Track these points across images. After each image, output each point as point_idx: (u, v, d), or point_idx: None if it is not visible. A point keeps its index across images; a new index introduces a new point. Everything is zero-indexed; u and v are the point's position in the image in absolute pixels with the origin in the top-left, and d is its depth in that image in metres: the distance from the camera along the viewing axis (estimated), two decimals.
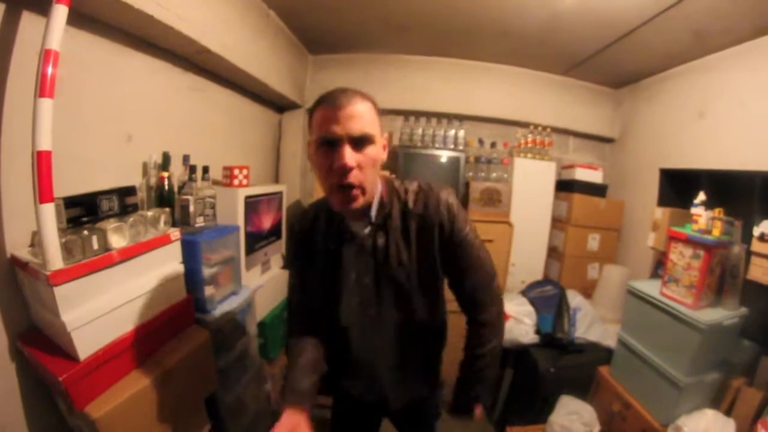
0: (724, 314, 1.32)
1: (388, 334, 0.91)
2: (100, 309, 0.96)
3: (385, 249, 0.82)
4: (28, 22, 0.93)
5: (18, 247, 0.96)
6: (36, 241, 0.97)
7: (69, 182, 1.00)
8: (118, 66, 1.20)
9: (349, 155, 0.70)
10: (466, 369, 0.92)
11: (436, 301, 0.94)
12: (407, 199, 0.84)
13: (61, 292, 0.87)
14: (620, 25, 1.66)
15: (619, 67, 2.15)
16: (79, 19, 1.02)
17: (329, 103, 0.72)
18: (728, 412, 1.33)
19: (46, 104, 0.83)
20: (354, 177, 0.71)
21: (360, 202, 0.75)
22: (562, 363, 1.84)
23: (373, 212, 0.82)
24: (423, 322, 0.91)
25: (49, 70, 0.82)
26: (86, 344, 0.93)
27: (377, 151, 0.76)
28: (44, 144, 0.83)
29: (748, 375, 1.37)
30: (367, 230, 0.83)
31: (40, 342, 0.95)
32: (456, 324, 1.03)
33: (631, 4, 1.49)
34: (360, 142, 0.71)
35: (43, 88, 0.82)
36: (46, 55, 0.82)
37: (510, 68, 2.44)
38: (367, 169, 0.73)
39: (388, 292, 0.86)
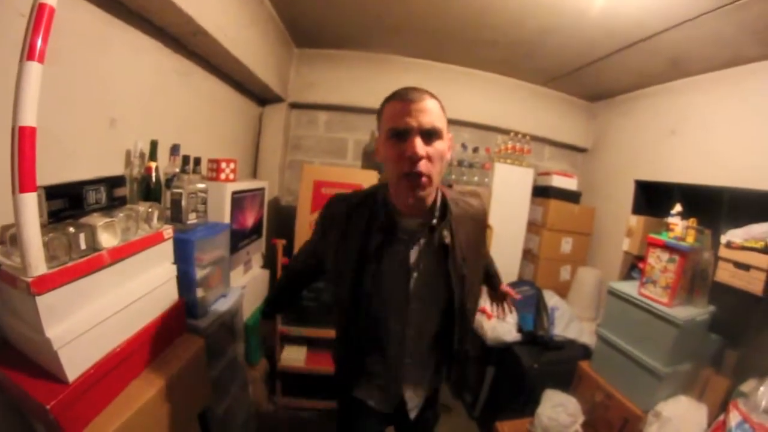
0: (695, 311, 1.48)
1: (425, 329, 0.92)
2: (90, 320, 0.83)
3: (452, 245, 0.85)
4: None
5: None
6: (7, 239, 0.80)
7: (44, 168, 0.84)
8: (107, 38, 1.04)
9: (420, 145, 0.72)
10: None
11: (480, 291, 1.03)
12: (459, 201, 0.90)
13: (44, 302, 0.73)
14: (604, 46, 1.80)
15: (596, 83, 2.33)
16: None
17: (401, 98, 0.75)
18: (699, 398, 1.48)
19: (34, 69, 0.67)
20: (423, 166, 0.73)
21: (427, 190, 0.76)
22: (544, 359, 1.93)
23: (438, 210, 0.84)
24: (471, 312, 0.95)
25: (42, 28, 0.68)
26: (75, 363, 0.79)
27: (444, 146, 0.77)
28: (29, 119, 0.67)
29: (715, 365, 1.55)
30: (426, 229, 0.85)
31: (14, 361, 0.78)
32: None
33: (618, 29, 1.62)
34: (430, 135, 0.74)
35: (32, 49, 0.67)
36: (39, 11, 0.67)
37: (494, 76, 2.54)
38: (435, 162, 0.75)
39: (446, 286, 0.86)
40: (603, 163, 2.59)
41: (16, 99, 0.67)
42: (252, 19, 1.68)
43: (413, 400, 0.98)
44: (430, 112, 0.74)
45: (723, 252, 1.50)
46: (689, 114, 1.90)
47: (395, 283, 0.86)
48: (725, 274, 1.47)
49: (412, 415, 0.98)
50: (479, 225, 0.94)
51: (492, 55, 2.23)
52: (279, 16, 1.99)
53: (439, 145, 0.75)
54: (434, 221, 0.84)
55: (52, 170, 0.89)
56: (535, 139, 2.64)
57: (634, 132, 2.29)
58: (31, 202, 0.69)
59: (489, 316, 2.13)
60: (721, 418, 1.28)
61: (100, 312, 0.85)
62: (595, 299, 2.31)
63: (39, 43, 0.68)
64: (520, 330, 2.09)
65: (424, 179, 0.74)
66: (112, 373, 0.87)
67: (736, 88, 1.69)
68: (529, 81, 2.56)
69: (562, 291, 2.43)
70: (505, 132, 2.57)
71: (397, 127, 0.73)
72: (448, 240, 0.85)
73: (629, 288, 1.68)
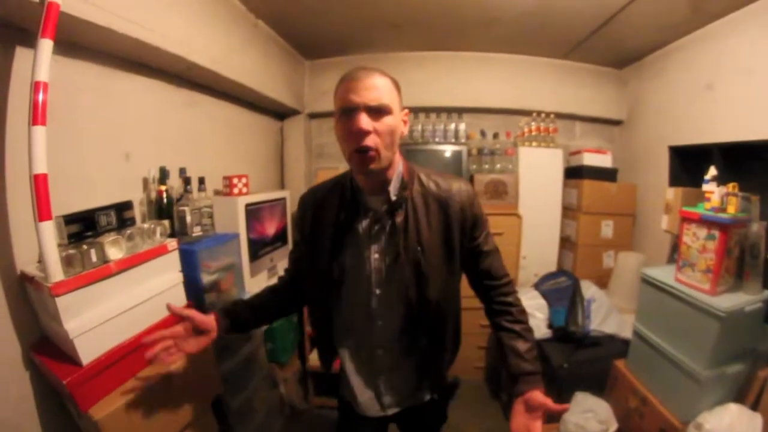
0: (745, 299, 1.22)
1: (393, 317, 0.89)
2: (101, 317, 1.02)
3: (404, 226, 0.84)
4: (22, 55, 1.01)
5: (27, 264, 1.04)
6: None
7: (72, 201, 1.07)
8: (111, 88, 1.27)
9: (365, 121, 0.74)
10: (514, 344, 0.88)
11: (451, 287, 0.92)
12: (428, 182, 0.89)
13: (62, 302, 0.93)
14: (611, 0, 1.57)
15: (619, 46, 2.04)
16: (69, 48, 1.10)
17: (349, 78, 0.77)
18: (755, 406, 1.22)
19: (39, 131, 0.89)
20: (370, 140, 0.75)
21: (376, 164, 0.78)
22: (577, 358, 1.76)
23: (392, 188, 0.84)
24: (435, 306, 0.88)
25: (40, 99, 0.89)
26: (88, 350, 0.98)
27: (395, 122, 0.79)
28: (40, 168, 0.89)
29: None
30: (384, 207, 0.85)
31: (49, 351, 1.01)
32: (467, 321, 1.02)
33: None
34: (377, 111, 0.75)
35: (35, 116, 0.89)
36: (36, 87, 0.89)
37: (507, 56, 2.38)
38: (383, 136, 0.76)
39: (402, 271, 0.85)
40: (640, 134, 2.24)
41: (30, 154, 0.88)
42: (247, 44, 1.84)
43: (387, 398, 0.96)
44: (377, 89, 0.75)
45: None
46: (725, 62, 1.57)
47: (359, 267, 0.87)
48: None
49: (390, 411, 0.97)
50: (445, 209, 0.86)
51: (497, 34, 2.10)
52: (279, 34, 2.13)
53: (388, 120, 0.76)
54: (393, 198, 0.83)
55: (79, 201, 1.12)
56: (561, 116, 2.40)
57: (669, 94, 1.95)
58: (48, 228, 0.90)
59: None
60: None
61: (110, 310, 1.04)
62: (639, 288, 2.01)
63: (39, 110, 0.89)
64: (550, 326, 1.93)
65: (371, 153, 0.76)
66: (122, 361, 1.06)
67: None
68: (546, 56, 2.34)
69: (607, 279, 2.17)
70: (527, 113, 2.39)
71: (345, 105, 0.76)
72: (399, 219, 0.83)
73: (665, 274, 1.45)
